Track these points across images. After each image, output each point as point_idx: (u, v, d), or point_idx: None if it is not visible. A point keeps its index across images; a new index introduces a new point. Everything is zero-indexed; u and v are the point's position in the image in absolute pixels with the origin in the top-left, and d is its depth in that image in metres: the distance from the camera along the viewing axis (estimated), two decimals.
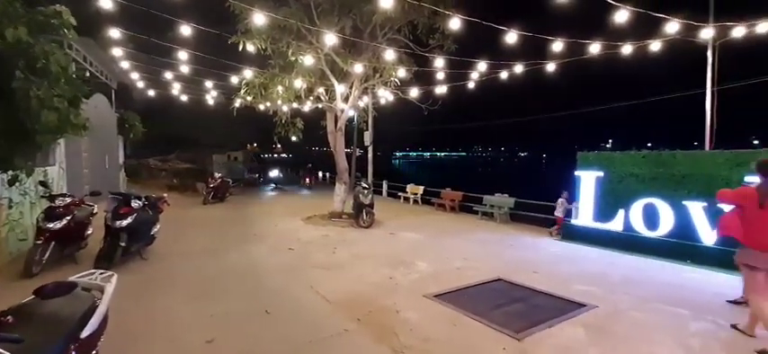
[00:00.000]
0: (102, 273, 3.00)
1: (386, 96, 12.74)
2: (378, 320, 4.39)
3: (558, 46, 7.62)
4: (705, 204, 7.18)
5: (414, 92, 11.56)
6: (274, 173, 28.31)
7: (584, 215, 9.12)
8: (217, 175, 16.31)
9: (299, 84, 10.56)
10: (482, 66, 9.25)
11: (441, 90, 11.39)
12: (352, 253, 7.50)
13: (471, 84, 11.19)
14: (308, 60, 9.46)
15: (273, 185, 24.37)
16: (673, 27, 7.21)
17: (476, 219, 12.39)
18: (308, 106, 12.29)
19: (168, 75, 12.09)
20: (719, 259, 6.73)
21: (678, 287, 5.76)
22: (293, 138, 13.35)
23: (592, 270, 6.55)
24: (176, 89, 13.61)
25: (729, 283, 5.94)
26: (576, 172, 9.42)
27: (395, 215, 12.86)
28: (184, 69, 10.53)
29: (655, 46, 8.15)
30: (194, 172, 21.77)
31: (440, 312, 4.67)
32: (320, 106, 12.05)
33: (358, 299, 5.02)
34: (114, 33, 8.15)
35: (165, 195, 7.91)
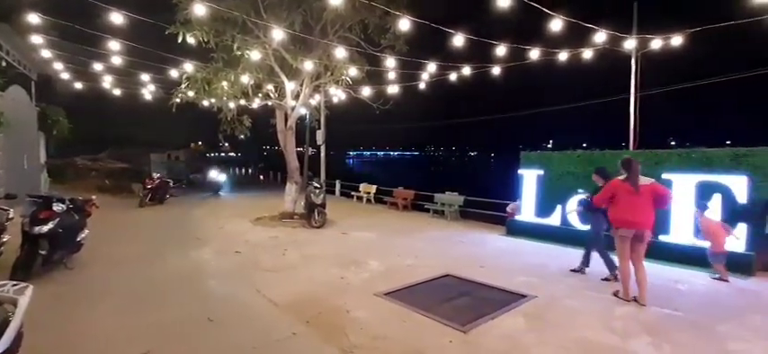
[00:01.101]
0: (15, 285, 2.68)
1: (338, 95, 12.63)
2: (327, 321, 4.33)
3: (501, 50, 7.99)
4: None
5: (366, 92, 11.56)
6: (214, 175, 20.42)
7: (527, 211, 9.65)
8: (155, 176, 15.23)
9: (245, 79, 10.14)
10: (432, 67, 9.46)
11: (393, 90, 11.50)
12: (303, 254, 7.35)
13: (422, 85, 11.41)
14: (254, 55, 9.10)
15: (216, 187, 19.52)
16: (602, 37, 7.85)
17: (427, 217, 12.67)
18: (256, 103, 11.84)
19: (98, 67, 11.07)
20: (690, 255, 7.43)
21: (606, 274, 6.27)
22: (241, 136, 12.82)
23: (533, 263, 6.95)
24: (108, 82, 12.49)
25: (655, 271, 6.56)
26: (520, 171, 9.94)
27: (347, 214, 12.80)
28: (117, 61, 9.69)
29: (587, 54, 8.83)
30: (129, 173, 20.22)
31: (390, 309, 4.70)
32: (269, 103, 11.67)
33: (308, 301, 4.92)
34: (34, 19, 7.31)
35: (94, 197, 7.24)
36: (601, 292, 5.38)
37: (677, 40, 7.96)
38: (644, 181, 5.14)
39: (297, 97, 10.99)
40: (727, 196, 6.72)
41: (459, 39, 6.86)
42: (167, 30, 8.61)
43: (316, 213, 10.16)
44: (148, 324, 4.19)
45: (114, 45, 8.63)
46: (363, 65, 10.18)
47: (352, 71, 10.15)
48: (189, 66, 9.95)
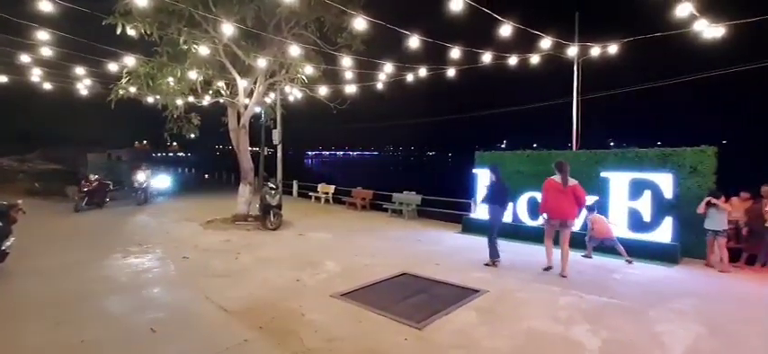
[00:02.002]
0: None
1: (294, 94, 12.36)
2: (281, 325, 4.21)
3: (456, 53, 8.20)
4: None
5: (323, 91, 11.40)
6: (142, 179, 15.06)
7: (482, 209, 9.98)
8: (93, 177, 14.07)
9: (194, 75, 9.64)
10: (390, 67, 9.50)
11: (350, 89, 11.42)
12: (257, 258, 7.11)
13: (380, 86, 11.45)
14: (203, 50, 8.68)
15: (143, 196, 14.95)
16: (548, 43, 8.30)
17: (385, 217, 12.74)
18: (206, 101, 11.28)
19: (26, 59, 10.01)
20: (584, 242, 7.94)
21: (553, 267, 6.65)
22: (191, 136, 12.18)
23: (486, 259, 7.19)
24: (37, 76, 11.34)
25: (594, 263, 7.05)
26: (474, 170, 10.28)
27: (305, 215, 12.58)
28: (47, 52, 8.82)
29: (534, 59, 9.29)
30: (63, 174, 18.57)
31: (346, 310, 4.67)
32: (221, 101, 11.17)
33: (261, 306, 4.77)
34: None
35: (20, 202, 6.55)
36: (548, 284, 5.68)
37: (613, 49, 8.61)
38: (571, 181, 6.10)
39: (250, 95, 10.61)
40: (656, 192, 7.36)
41: (414, 41, 6.95)
42: (105, 21, 7.98)
43: (271, 214, 9.88)
44: (82, 341, 3.85)
45: (43, 35, 7.84)
46: (320, 63, 10.03)
47: (309, 69, 9.97)
48: (130, 60, 9.27)
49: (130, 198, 15.25)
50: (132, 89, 9.59)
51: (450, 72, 9.77)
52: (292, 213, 12.22)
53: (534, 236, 8.74)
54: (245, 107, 10.63)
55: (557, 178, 6.20)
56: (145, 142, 40.74)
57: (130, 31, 8.10)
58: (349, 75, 10.25)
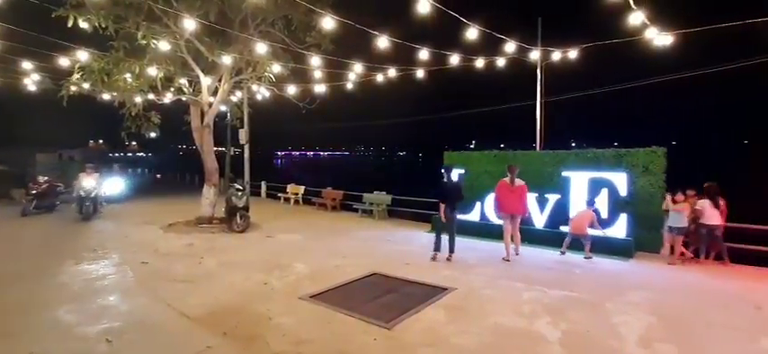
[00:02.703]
0: None
1: (262, 92, 12.09)
2: (247, 330, 4.10)
3: (424, 54, 8.29)
4: (537, 194, 8.71)
5: (292, 90, 11.21)
6: (89, 186, 11.46)
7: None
8: (42, 179, 13.15)
9: (153, 72, 9.21)
10: (359, 67, 9.48)
11: (320, 88, 11.30)
12: (223, 261, 6.89)
13: (350, 85, 11.40)
14: (163, 46, 8.30)
15: (91, 207, 11.50)
16: (514, 47, 8.57)
17: (356, 217, 12.70)
18: (168, 98, 10.80)
19: None
20: (547, 238, 8.27)
21: (517, 264, 6.88)
22: (152, 135, 11.64)
23: (454, 257, 7.32)
24: None
25: (554, 258, 7.34)
26: (443, 170, 10.42)
27: (273, 217, 12.32)
28: None
29: (501, 62, 9.56)
30: (7, 176, 17.21)
31: (315, 312, 4.61)
32: (183, 99, 10.74)
33: (226, 311, 4.62)
34: None
35: None
36: (513, 280, 5.85)
37: (574, 54, 9.03)
38: (518, 181, 7.25)
39: (215, 93, 10.27)
40: (612, 190, 7.76)
41: (383, 41, 6.97)
42: (55, 13, 7.47)
43: (238, 216, 9.60)
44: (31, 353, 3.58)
45: None
46: (288, 62, 9.85)
47: (276, 68, 9.76)
48: (84, 55, 8.73)
49: (75, 209, 11.62)
50: (85, 85, 9.03)
51: (420, 73, 9.89)
52: (260, 214, 11.94)
53: (499, 234, 8.92)
54: (210, 105, 10.27)
55: (507, 179, 7.27)
56: (101, 142, 38.52)
57: (83, 24, 7.63)
58: (318, 74, 10.14)
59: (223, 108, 13.86)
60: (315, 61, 9.33)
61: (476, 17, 7.04)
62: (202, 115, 10.52)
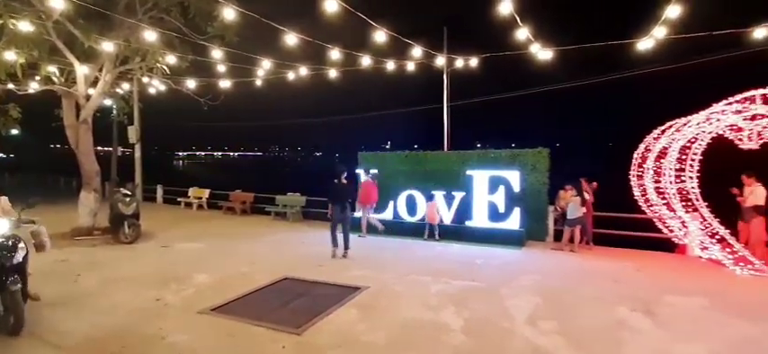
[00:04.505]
0: None
1: (156, 86, 10.84)
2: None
3: (337, 54, 8.25)
4: (445, 192, 9.26)
5: (192, 84, 10.24)
6: None
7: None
8: None
9: (11, 56, 7.65)
10: (268, 64, 9.03)
11: (225, 84, 10.51)
12: (106, 278, 5.99)
13: (258, 82, 10.83)
14: (25, 26, 6.94)
15: None
16: (422, 53, 9.01)
17: (268, 220, 12.14)
18: (33, 88, 9.05)
19: None
20: (454, 233, 8.85)
21: (427, 259, 7.23)
22: (13, 131, 9.71)
23: (368, 255, 7.42)
24: None
25: (462, 251, 7.88)
26: (357, 170, 10.49)
27: (172, 224, 11.14)
28: None
29: (410, 66, 9.98)
30: None
31: (217, 326, 4.26)
32: (54, 89, 9.08)
33: (108, 335, 4.02)
34: None
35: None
36: (422, 275, 6.13)
37: (474, 62, 9.83)
38: (369, 179, 9.45)
39: (94, 84, 8.90)
40: (507, 186, 8.61)
41: (292, 38, 6.74)
42: None
43: (125, 226, 8.43)
44: None
45: None
46: (186, 53, 8.96)
47: (171, 59, 8.81)
48: None
49: None
50: None
51: (333, 73, 9.81)
52: (155, 222, 10.70)
53: (411, 231, 9.34)
54: (87, 98, 8.87)
55: (366, 177, 9.56)
56: None
57: None
58: (222, 68, 9.41)
59: (108, 102, 12.11)
60: (218, 54, 8.64)
61: (388, 21, 7.23)
62: (78, 109, 9.04)
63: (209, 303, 4.88)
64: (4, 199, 5.62)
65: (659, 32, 6.06)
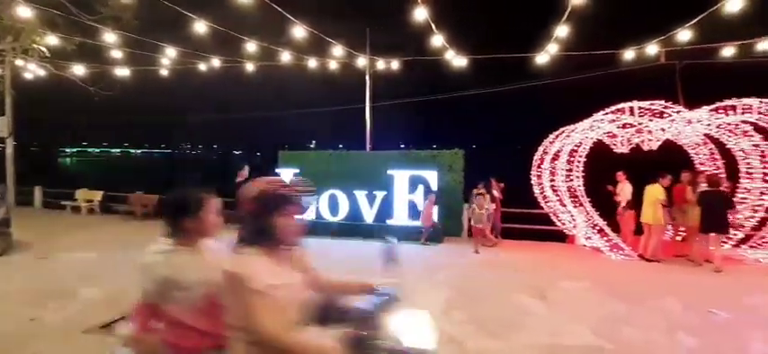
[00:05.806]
0: None
1: (34, 70, 9.24)
2: None
3: (253, 47, 7.85)
4: (366, 192, 9.34)
5: (80, 71, 8.91)
6: None
7: None
8: None
9: None
10: (173, 52, 8.24)
11: (122, 72, 9.34)
12: None
13: (164, 72, 9.83)
14: None
15: None
16: (347, 53, 9.00)
17: None
18: None
19: None
20: (376, 232, 8.97)
21: (349, 258, 7.24)
22: None
23: None
24: None
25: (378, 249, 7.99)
26: (277, 170, 10.10)
27: (54, 231, 9.58)
28: None
29: (333, 65, 9.92)
30: None
31: (105, 345, 3.74)
32: None
33: None
34: None
35: None
36: (345, 276, 6.09)
37: (396, 65, 10.12)
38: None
39: None
40: (426, 185, 8.99)
41: (202, 27, 6.24)
42: None
43: None
44: None
45: None
46: (73, 35, 7.77)
47: (52, 39, 7.56)
48: None
49: None
50: None
51: (250, 67, 9.31)
52: (33, 230, 9.10)
53: (334, 231, 9.26)
54: None
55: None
56: None
57: None
58: (119, 54, 8.35)
59: None
60: (111, 38, 7.64)
61: (308, 19, 7.07)
62: None
63: (97, 320, 4.27)
64: None
65: (552, 49, 6.84)
